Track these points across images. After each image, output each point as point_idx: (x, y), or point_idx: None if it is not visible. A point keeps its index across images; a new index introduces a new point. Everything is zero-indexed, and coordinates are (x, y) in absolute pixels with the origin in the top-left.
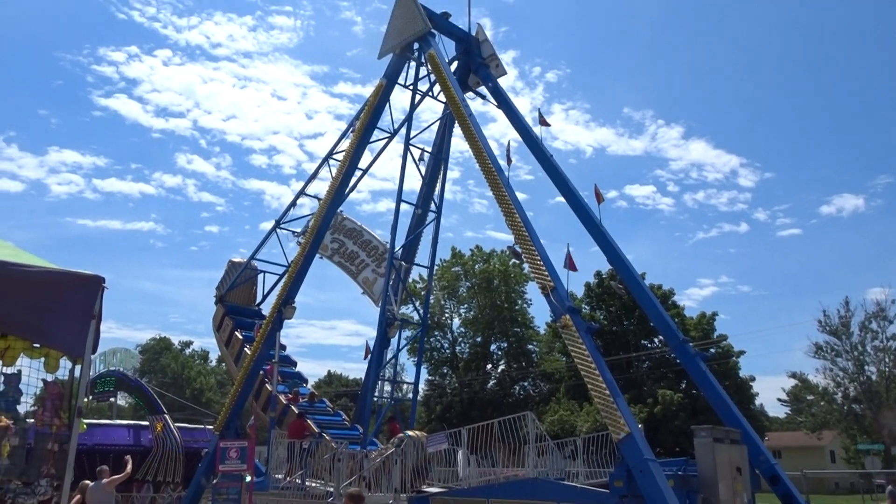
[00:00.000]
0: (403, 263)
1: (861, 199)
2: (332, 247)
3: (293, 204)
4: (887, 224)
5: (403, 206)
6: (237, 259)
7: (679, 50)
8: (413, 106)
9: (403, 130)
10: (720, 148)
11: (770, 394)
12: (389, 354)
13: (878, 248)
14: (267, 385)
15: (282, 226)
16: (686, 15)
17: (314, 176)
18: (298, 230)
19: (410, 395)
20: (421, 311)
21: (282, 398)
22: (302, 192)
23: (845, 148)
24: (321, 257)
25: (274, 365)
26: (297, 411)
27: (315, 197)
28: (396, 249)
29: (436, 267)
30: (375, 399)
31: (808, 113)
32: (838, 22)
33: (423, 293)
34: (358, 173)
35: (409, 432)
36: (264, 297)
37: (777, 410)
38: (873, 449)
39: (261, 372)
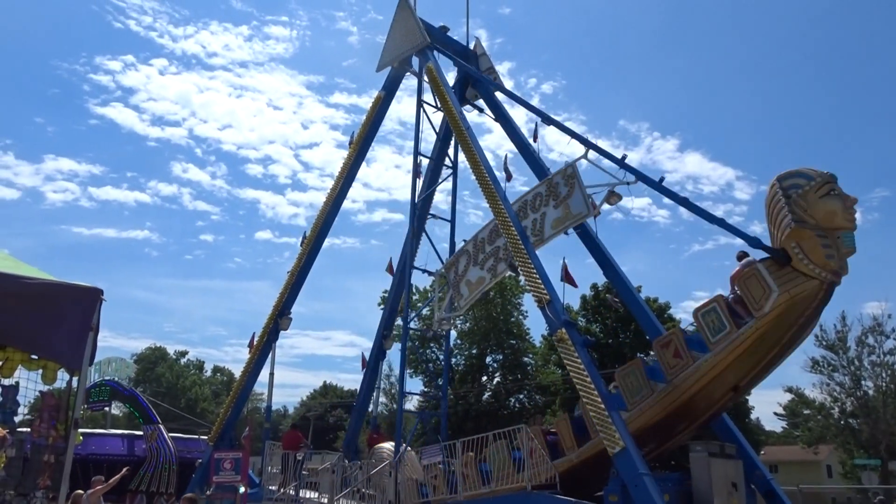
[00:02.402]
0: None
1: (858, 212)
2: (461, 296)
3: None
4: (884, 238)
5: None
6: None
7: (675, 63)
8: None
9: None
10: (716, 160)
11: (766, 408)
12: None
13: (874, 262)
14: None
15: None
16: (683, 28)
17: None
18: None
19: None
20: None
21: None
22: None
23: (841, 161)
24: (455, 322)
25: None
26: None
27: None
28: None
29: (432, 279)
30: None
31: (803, 126)
32: (835, 34)
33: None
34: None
35: None
36: None
37: (773, 425)
38: (870, 464)
39: None
